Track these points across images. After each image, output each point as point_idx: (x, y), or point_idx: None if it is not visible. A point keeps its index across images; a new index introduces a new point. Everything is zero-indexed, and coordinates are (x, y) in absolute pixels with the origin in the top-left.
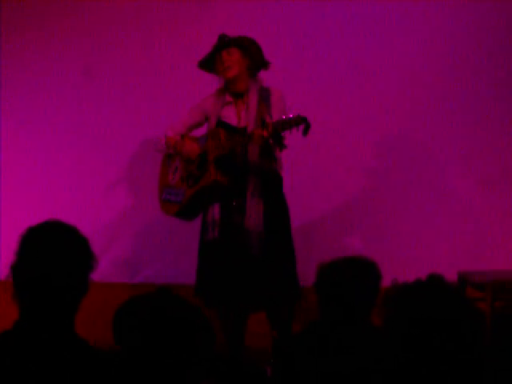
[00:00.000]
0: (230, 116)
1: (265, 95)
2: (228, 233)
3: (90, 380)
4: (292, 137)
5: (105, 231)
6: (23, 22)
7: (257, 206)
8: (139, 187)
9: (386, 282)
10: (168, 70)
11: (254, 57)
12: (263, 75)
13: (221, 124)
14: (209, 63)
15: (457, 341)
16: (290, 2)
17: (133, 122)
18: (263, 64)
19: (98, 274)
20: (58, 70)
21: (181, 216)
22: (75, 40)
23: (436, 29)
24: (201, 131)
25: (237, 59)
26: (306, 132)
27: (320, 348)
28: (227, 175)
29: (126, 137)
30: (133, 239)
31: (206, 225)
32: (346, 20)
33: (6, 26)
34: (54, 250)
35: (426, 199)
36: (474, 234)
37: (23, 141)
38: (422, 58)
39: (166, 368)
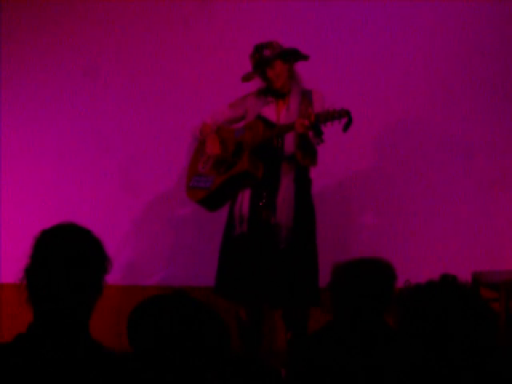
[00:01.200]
0: (270, 113)
1: (306, 96)
2: (256, 228)
3: (105, 382)
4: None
5: (118, 233)
6: (24, 22)
7: (289, 202)
8: (151, 189)
9: (400, 282)
10: (169, 70)
11: (293, 58)
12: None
13: (260, 119)
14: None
15: (470, 341)
16: (290, 2)
17: (137, 121)
18: (302, 58)
19: (112, 277)
20: (58, 70)
21: (206, 203)
22: (76, 40)
23: (438, 28)
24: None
25: (280, 70)
26: (346, 127)
27: (334, 349)
28: (260, 166)
29: (131, 137)
30: (146, 241)
31: (234, 220)
32: (347, 19)
33: (6, 26)
34: (67, 252)
35: (439, 199)
36: (488, 234)
37: (24, 141)
38: (423, 58)
39: (180, 370)
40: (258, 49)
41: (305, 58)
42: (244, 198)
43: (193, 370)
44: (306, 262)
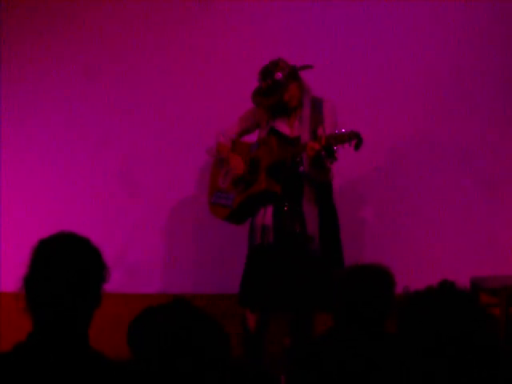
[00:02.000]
0: (283, 125)
1: (317, 106)
2: (281, 238)
3: None
4: None
5: (117, 240)
6: (23, 22)
7: (313, 213)
8: (152, 195)
9: (398, 289)
10: (170, 71)
11: (301, 72)
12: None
13: (273, 132)
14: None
15: (470, 348)
16: (291, 2)
17: (137, 122)
18: (308, 68)
19: (112, 285)
20: (58, 71)
21: (230, 220)
22: (76, 41)
23: (438, 29)
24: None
25: (295, 90)
26: (357, 147)
27: (334, 356)
28: (278, 183)
29: (132, 139)
30: (146, 249)
31: (255, 229)
32: (348, 19)
33: (6, 26)
34: (66, 261)
35: (437, 204)
36: (486, 240)
37: (24, 143)
38: (422, 59)
39: (181, 379)
40: (268, 73)
41: (309, 67)
42: (267, 209)
43: (193, 378)
44: (335, 268)
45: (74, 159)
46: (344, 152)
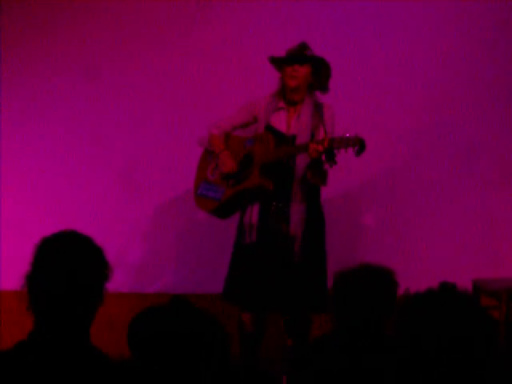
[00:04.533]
0: (280, 122)
1: (318, 109)
2: (265, 237)
3: None
4: None
5: (119, 240)
6: (24, 23)
7: (300, 213)
8: (153, 195)
9: (399, 291)
10: (171, 71)
11: (320, 79)
12: None
13: (269, 129)
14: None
15: (470, 350)
16: (291, 2)
17: (138, 123)
18: (324, 88)
19: (113, 284)
20: (59, 72)
21: (216, 213)
22: (76, 42)
23: (438, 29)
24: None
25: (305, 74)
26: (359, 153)
27: (336, 356)
28: (271, 180)
29: (133, 140)
30: (147, 248)
31: (243, 228)
32: (348, 19)
33: (6, 26)
34: (68, 260)
35: (438, 206)
36: (488, 241)
37: (24, 145)
38: (425, 59)
39: (180, 378)
40: (304, 45)
41: (325, 89)
42: (253, 207)
43: (193, 377)
44: (316, 271)
45: (74, 159)
46: (345, 154)
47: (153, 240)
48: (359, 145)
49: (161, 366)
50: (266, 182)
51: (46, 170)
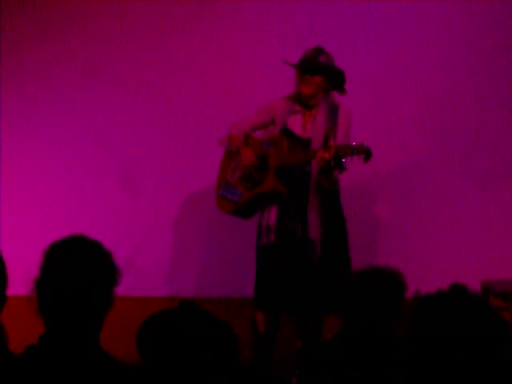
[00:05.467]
0: (296, 125)
1: (333, 111)
2: (283, 239)
3: None
4: None
5: (125, 245)
6: (24, 23)
7: (318, 216)
8: (160, 201)
9: (409, 292)
10: (172, 70)
11: (335, 84)
12: None
13: (285, 131)
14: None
15: (481, 352)
16: (291, 2)
17: (139, 124)
18: (341, 90)
19: (122, 288)
20: (59, 72)
21: (236, 215)
22: (76, 42)
23: (438, 30)
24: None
25: (318, 82)
26: (366, 160)
27: (345, 359)
28: (285, 184)
29: (134, 141)
30: (156, 253)
31: (261, 230)
32: (348, 19)
33: (6, 26)
34: (77, 264)
35: (448, 208)
36: (497, 243)
37: (25, 145)
38: (425, 59)
39: (189, 382)
40: (318, 50)
41: (342, 90)
42: (271, 210)
43: (201, 381)
44: (341, 273)
45: (75, 160)
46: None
47: (161, 244)
48: (365, 153)
49: (170, 369)
50: (280, 187)
51: (47, 171)
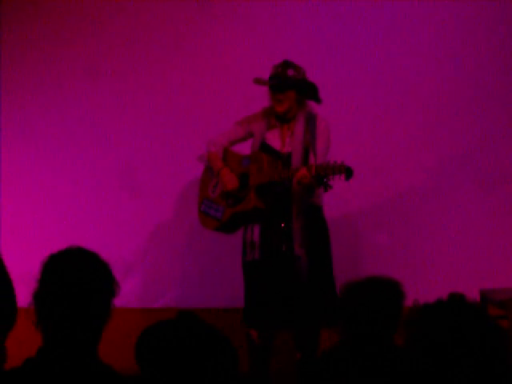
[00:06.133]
0: (275, 140)
1: (311, 122)
2: (268, 255)
3: None
4: None
5: (124, 256)
6: (24, 23)
7: (302, 231)
8: (159, 211)
9: (408, 302)
10: (171, 72)
11: (308, 95)
12: None
13: (264, 147)
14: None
15: (480, 360)
16: (292, 2)
17: (139, 124)
18: (316, 100)
19: (120, 300)
20: (59, 73)
21: (220, 231)
22: (76, 43)
23: (438, 31)
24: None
25: (292, 96)
26: (347, 179)
27: (343, 369)
28: (267, 202)
29: (135, 141)
30: (153, 263)
31: (246, 245)
32: (348, 19)
33: (6, 26)
34: (75, 276)
35: (446, 216)
36: (495, 251)
37: (26, 145)
38: (423, 60)
39: None
40: (286, 64)
41: (318, 100)
42: (254, 226)
43: None
44: (325, 287)
45: (76, 162)
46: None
47: (159, 255)
48: (345, 172)
49: (168, 380)
50: (261, 205)
51: (47, 173)
